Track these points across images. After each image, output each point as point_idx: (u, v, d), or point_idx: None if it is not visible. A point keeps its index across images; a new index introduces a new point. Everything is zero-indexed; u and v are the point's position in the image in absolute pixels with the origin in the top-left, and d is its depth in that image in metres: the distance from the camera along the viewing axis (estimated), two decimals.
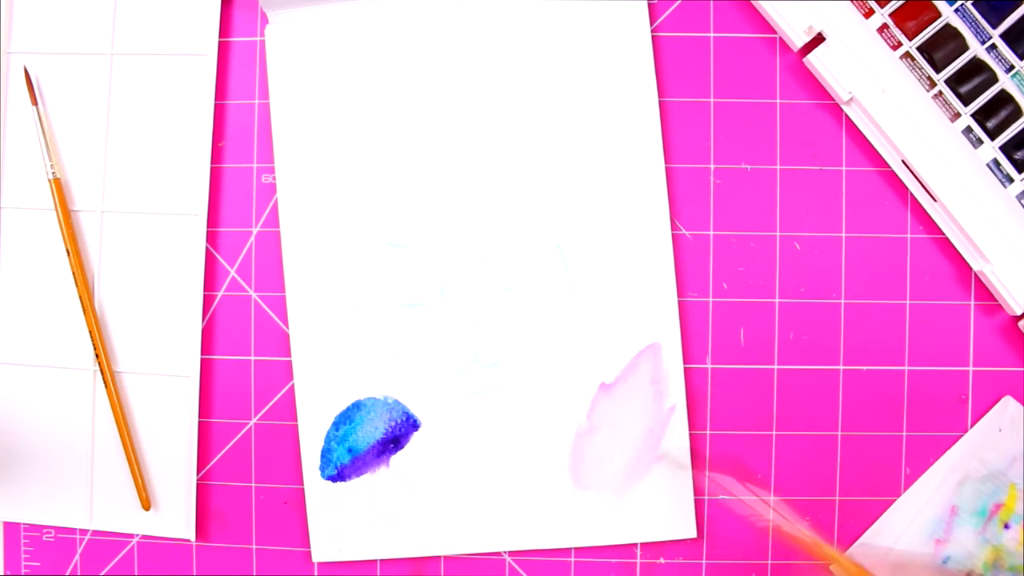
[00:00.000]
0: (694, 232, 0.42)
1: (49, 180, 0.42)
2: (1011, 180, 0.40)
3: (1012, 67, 0.40)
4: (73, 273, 0.42)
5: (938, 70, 0.40)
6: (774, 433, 0.42)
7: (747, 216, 0.42)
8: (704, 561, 0.43)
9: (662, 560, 0.43)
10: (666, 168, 0.41)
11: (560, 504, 0.42)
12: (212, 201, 0.43)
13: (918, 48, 0.40)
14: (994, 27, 0.40)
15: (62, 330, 0.43)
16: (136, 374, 0.43)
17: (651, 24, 0.41)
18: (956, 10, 0.40)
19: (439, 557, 0.43)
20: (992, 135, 0.40)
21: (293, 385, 0.43)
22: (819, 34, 0.40)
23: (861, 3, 0.40)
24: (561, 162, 0.41)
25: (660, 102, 0.41)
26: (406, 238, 0.42)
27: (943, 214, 0.40)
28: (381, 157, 0.42)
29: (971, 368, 0.42)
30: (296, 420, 0.43)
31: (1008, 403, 0.41)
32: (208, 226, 0.43)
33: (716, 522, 0.42)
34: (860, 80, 0.40)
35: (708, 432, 0.42)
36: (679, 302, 0.42)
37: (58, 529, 0.45)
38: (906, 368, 0.42)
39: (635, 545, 0.43)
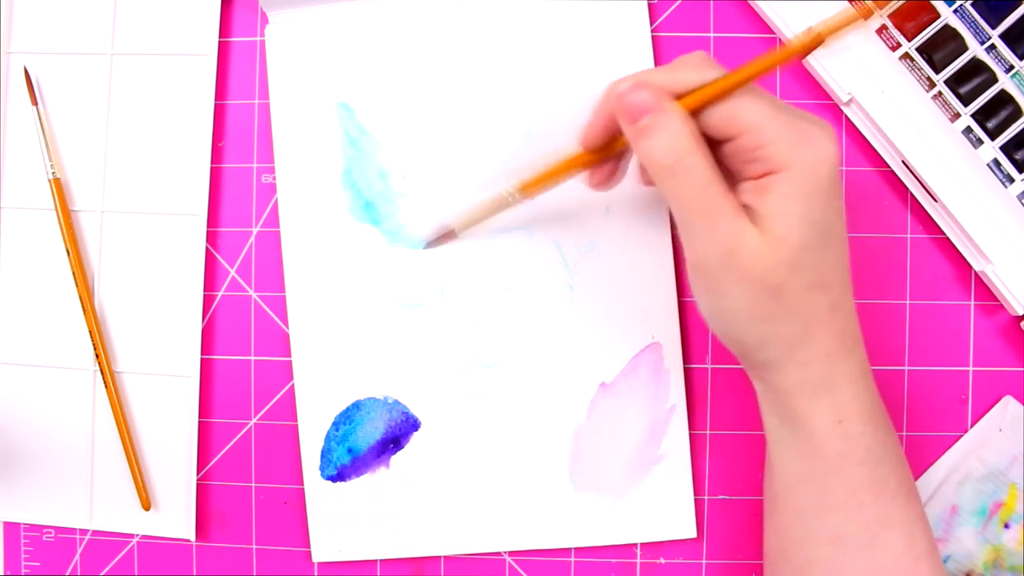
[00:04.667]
0: None
1: (49, 180, 0.42)
2: (1011, 180, 0.40)
3: (1012, 67, 0.40)
4: (73, 273, 0.42)
5: (937, 71, 0.40)
6: None
7: None
8: (704, 561, 0.43)
9: (662, 560, 0.43)
10: None
11: (560, 504, 0.42)
12: (212, 201, 0.43)
13: (917, 49, 0.40)
14: (993, 27, 0.40)
15: (62, 330, 0.43)
16: (136, 374, 0.43)
17: (651, 24, 0.41)
18: (955, 11, 0.40)
19: (439, 557, 0.43)
20: (992, 135, 0.40)
21: (293, 385, 0.43)
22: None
23: (860, 4, 0.40)
24: None
25: None
26: (406, 238, 0.42)
27: (943, 214, 0.40)
28: (381, 157, 0.42)
29: (971, 368, 0.42)
30: (296, 420, 0.43)
31: (1008, 403, 0.41)
32: (208, 226, 0.43)
33: (716, 522, 0.42)
34: (860, 81, 0.40)
35: (708, 432, 0.42)
36: (679, 302, 0.42)
37: (58, 529, 0.45)
38: (906, 368, 0.42)
39: (635, 545, 0.43)
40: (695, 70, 0.31)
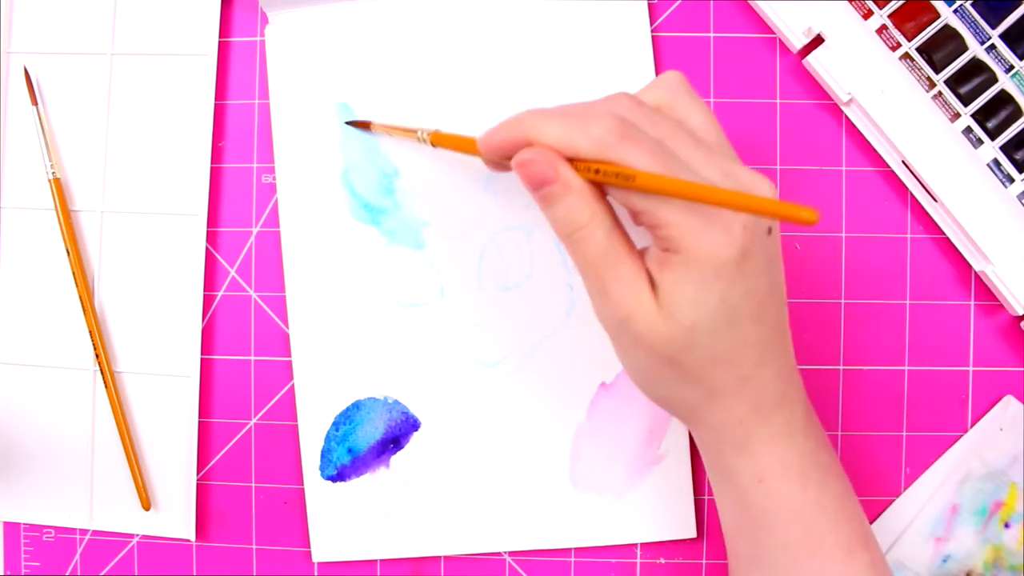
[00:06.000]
0: None
1: (49, 180, 0.42)
2: (1011, 180, 0.40)
3: (1012, 67, 0.40)
4: (73, 273, 0.42)
5: (937, 71, 0.40)
6: None
7: None
8: (704, 561, 0.43)
9: (662, 560, 0.43)
10: None
11: (560, 504, 0.42)
12: (212, 201, 0.43)
13: (917, 49, 0.40)
14: (993, 27, 0.40)
15: (62, 330, 0.43)
16: (136, 374, 0.43)
17: (651, 24, 0.41)
18: (955, 11, 0.40)
19: (439, 557, 0.43)
20: (992, 135, 0.40)
21: (293, 385, 0.43)
22: (818, 35, 0.40)
23: (860, 4, 0.40)
24: None
25: None
26: (406, 238, 0.42)
27: (943, 214, 0.40)
28: (381, 157, 0.42)
29: (971, 368, 0.42)
30: (296, 420, 0.43)
31: (1009, 402, 0.41)
32: (208, 226, 0.43)
33: (716, 522, 0.42)
34: (860, 81, 0.40)
35: None
36: None
37: (58, 529, 0.45)
38: (906, 368, 0.42)
39: (635, 545, 0.43)
40: (599, 135, 0.28)
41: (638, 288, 0.29)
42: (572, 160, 0.29)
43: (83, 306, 0.43)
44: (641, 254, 0.30)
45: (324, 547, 0.43)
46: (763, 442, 0.31)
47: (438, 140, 0.38)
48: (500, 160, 0.32)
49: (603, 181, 0.29)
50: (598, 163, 0.28)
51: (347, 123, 0.42)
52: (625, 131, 0.28)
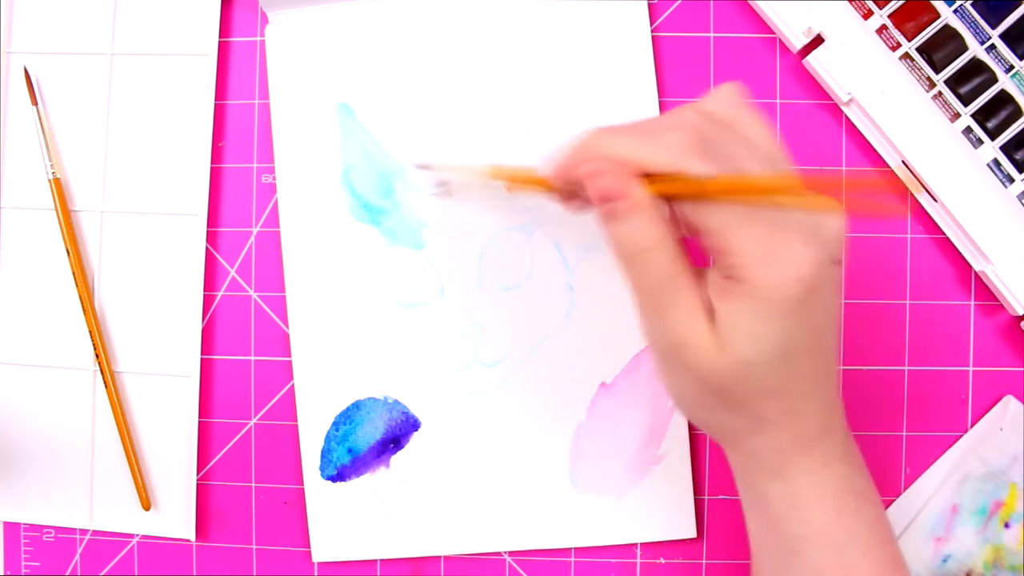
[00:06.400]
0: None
1: (49, 180, 0.42)
2: (1011, 180, 0.40)
3: (1012, 67, 0.40)
4: (73, 273, 0.42)
5: (937, 71, 0.40)
6: None
7: None
8: (704, 561, 0.43)
9: (662, 560, 0.43)
10: None
11: (560, 504, 0.42)
12: (212, 201, 0.43)
13: (917, 49, 0.40)
14: (993, 27, 0.40)
15: (62, 330, 0.43)
16: (136, 374, 0.43)
17: (651, 24, 0.41)
18: (955, 11, 0.40)
19: (439, 557, 0.43)
20: (992, 135, 0.40)
21: (293, 385, 0.43)
22: (818, 35, 0.40)
23: (860, 4, 0.40)
24: None
25: (660, 102, 0.41)
26: (406, 238, 0.42)
27: (943, 214, 0.40)
28: (381, 157, 0.42)
29: (971, 368, 0.42)
30: (296, 420, 0.43)
31: (1009, 402, 0.41)
32: (208, 226, 0.43)
33: (716, 522, 0.42)
34: (860, 81, 0.40)
35: None
36: None
37: (58, 529, 0.45)
38: (906, 368, 0.42)
39: (635, 545, 0.43)
40: (675, 148, 0.27)
41: (696, 317, 0.28)
42: (642, 177, 0.28)
43: (83, 306, 0.43)
44: (700, 276, 0.29)
45: (324, 547, 0.43)
46: (803, 472, 0.30)
47: (499, 176, 0.37)
48: (574, 189, 0.30)
49: (678, 192, 0.28)
50: (673, 174, 0.27)
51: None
52: (697, 145, 0.27)
